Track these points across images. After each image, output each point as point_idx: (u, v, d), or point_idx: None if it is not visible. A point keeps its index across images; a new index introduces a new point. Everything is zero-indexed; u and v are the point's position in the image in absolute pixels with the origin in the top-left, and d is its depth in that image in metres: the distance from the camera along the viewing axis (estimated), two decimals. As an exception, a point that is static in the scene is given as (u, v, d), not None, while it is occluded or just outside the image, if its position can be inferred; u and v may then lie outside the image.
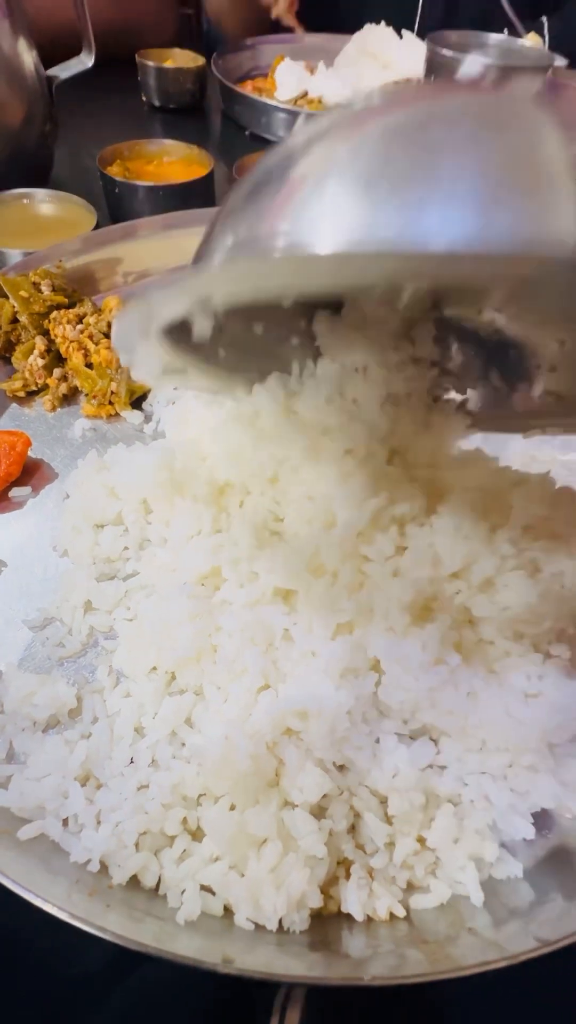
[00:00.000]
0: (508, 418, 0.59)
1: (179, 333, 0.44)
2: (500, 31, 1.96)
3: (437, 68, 1.14)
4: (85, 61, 1.16)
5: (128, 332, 0.41)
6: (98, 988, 0.49)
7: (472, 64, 1.07)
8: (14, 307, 0.85)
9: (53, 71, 1.15)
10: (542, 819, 0.51)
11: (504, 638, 0.53)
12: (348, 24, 1.85)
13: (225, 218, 0.38)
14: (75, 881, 0.43)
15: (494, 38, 1.21)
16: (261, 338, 0.56)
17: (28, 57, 1.06)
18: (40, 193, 1.04)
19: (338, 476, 0.62)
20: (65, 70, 1.15)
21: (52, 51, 1.12)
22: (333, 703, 0.48)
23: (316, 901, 0.44)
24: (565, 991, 0.51)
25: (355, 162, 0.32)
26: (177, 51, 1.75)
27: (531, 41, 1.50)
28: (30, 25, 1.06)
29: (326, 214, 0.32)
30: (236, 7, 1.80)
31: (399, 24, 1.74)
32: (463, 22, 1.89)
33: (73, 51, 1.15)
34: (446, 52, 1.10)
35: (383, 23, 1.76)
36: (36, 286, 0.88)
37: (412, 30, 1.84)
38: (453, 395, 0.61)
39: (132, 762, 0.51)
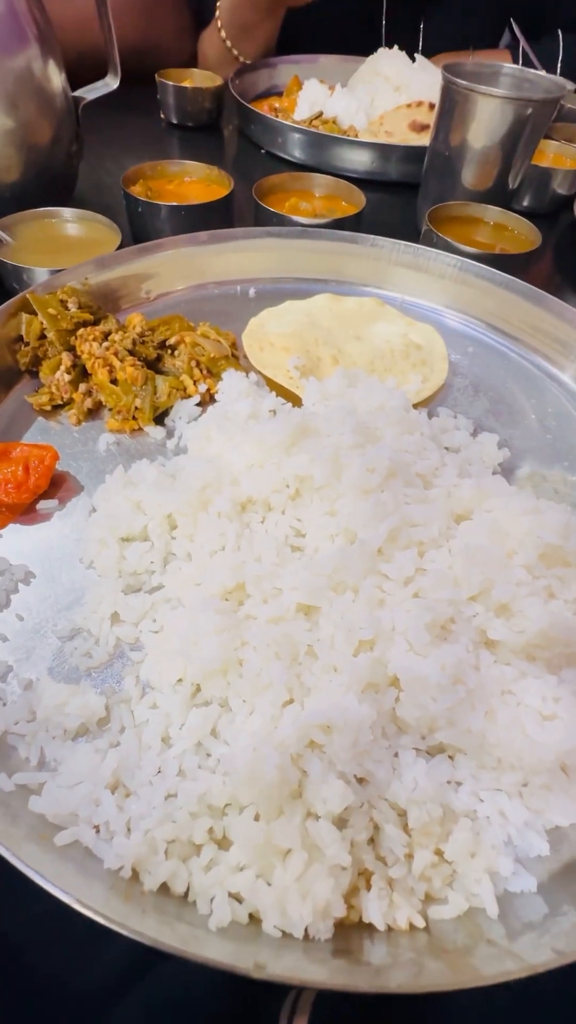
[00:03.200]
0: None
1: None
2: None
3: (452, 98, 1.17)
4: (111, 83, 1.20)
5: None
6: (102, 1000, 0.50)
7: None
8: (42, 324, 0.88)
9: (80, 92, 1.18)
10: (555, 835, 0.52)
11: (519, 659, 0.55)
12: (349, 45, 1.91)
13: None
14: (110, 887, 0.45)
15: (507, 68, 1.24)
16: None
17: (57, 80, 1.10)
18: (66, 212, 1.07)
19: (358, 492, 0.64)
20: (91, 92, 1.19)
21: (76, 70, 1.15)
22: (356, 717, 0.50)
23: (340, 910, 0.45)
24: (566, 996, 0.52)
25: None
26: (196, 71, 1.79)
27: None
28: (59, 47, 1.10)
29: None
30: (252, 30, 1.84)
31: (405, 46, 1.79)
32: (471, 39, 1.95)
33: (96, 69, 1.18)
34: (461, 83, 1.14)
35: (395, 47, 1.82)
36: (63, 303, 0.90)
37: (417, 50, 1.90)
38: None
39: (160, 772, 0.53)
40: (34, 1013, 0.51)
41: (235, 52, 1.87)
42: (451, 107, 1.19)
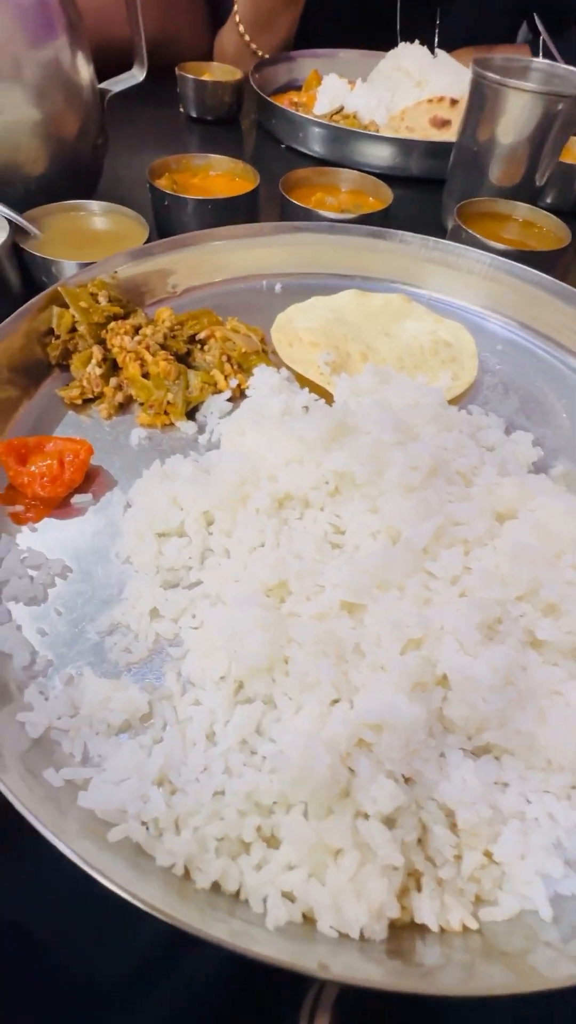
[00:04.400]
0: None
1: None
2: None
3: (481, 92, 1.16)
4: (137, 76, 1.19)
5: None
6: (121, 998, 0.50)
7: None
8: (73, 317, 0.87)
9: (105, 85, 1.17)
10: (605, 837, 0.52)
11: (568, 660, 0.55)
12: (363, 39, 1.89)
13: None
14: (165, 884, 0.44)
15: (536, 63, 1.23)
16: None
17: (85, 72, 1.09)
18: (93, 205, 1.07)
19: (401, 490, 0.64)
20: (117, 84, 1.18)
21: (99, 62, 1.14)
22: (409, 717, 0.49)
23: (395, 911, 0.45)
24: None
25: None
26: (215, 64, 1.78)
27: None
28: (87, 40, 1.09)
29: None
30: (271, 22, 1.82)
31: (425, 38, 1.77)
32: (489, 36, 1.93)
33: (114, 61, 1.18)
34: (492, 76, 1.13)
35: (416, 41, 1.80)
36: (94, 296, 0.90)
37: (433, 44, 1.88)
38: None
39: (206, 769, 0.53)
40: (60, 1006, 0.51)
41: (253, 46, 1.86)
42: (480, 101, 1.17)
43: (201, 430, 0.85)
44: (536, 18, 1.83)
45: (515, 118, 1.15)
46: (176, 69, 1.68)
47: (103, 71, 1.17)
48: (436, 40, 1.97)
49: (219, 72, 1.76)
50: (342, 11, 1.95)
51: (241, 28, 1.83)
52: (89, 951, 0.53)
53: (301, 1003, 0.51)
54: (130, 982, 0.51)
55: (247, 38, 1.84)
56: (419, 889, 0.48)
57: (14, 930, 0.53)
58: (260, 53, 1.86)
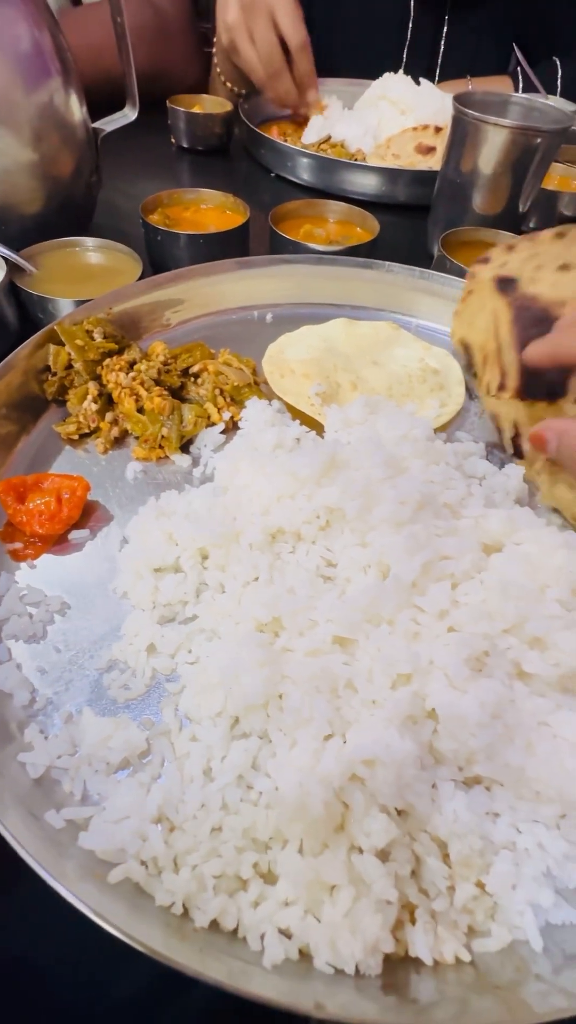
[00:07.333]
0: None
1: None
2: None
3: (462, 128, 1.20)
4: (129, 115, 1.22)
5: None
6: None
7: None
8: (69, 354, 0.90)
9: (99, 124, 1.21)
10: (594, 865, 0.53)
11: (554, 691, 0.56)
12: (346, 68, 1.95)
13: None
14: (165, 924, 0.45)
15: (516, 97, 1.27)
16: None
17: (79, 113, 1.12)
18: (88, 241, 1.09)
19: (391, 525, 0.66)
20: (110, 123, 1.21)
21: (94, 95, 1.18)
22: (400, 752, 0.51)
23: (389, 946, 0.46)
24: None
25: None
26: (206, 97, 1.83)
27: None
28: (80, 81, 1.12)
29: None
30: (232, 72, 1.86)
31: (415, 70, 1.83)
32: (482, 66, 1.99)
33: (107, 97, 1.21)
34: (471, 113, 1.17)
35: (401, 71, 1.86)
36: (89, 333, 0.92)
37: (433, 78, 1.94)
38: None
39: (203, 806, 0.54)
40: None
41: (235, 90, 1.90)
42: (462, 136, 1.21)
43: (195, 463, 0.87)
44: (516, 49, 1.89)
45: (495, 152, 1.19)
46: (167, 102, 1.73)
47: (98, 105, 1.21)
48: (437, 75, 2.03)
49: (210, 104, 1.81)
50: (348, 43, 2.00)
51: (222, 78, 1.88)
52: (91, 985, 0.54)
53: None
54: (131, 1016, 0.52)
55: (229, 85, 1.89)
56: (413, 922, 0.49)
57: (18, 965, 0.54)
58: (235, 89, 1.91)
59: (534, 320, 0.81)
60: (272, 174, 1.71)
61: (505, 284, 0.87)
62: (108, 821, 0.52)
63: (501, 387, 0.83)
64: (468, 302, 0.95)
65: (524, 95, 1.27)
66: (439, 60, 2.01)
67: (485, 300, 0.91)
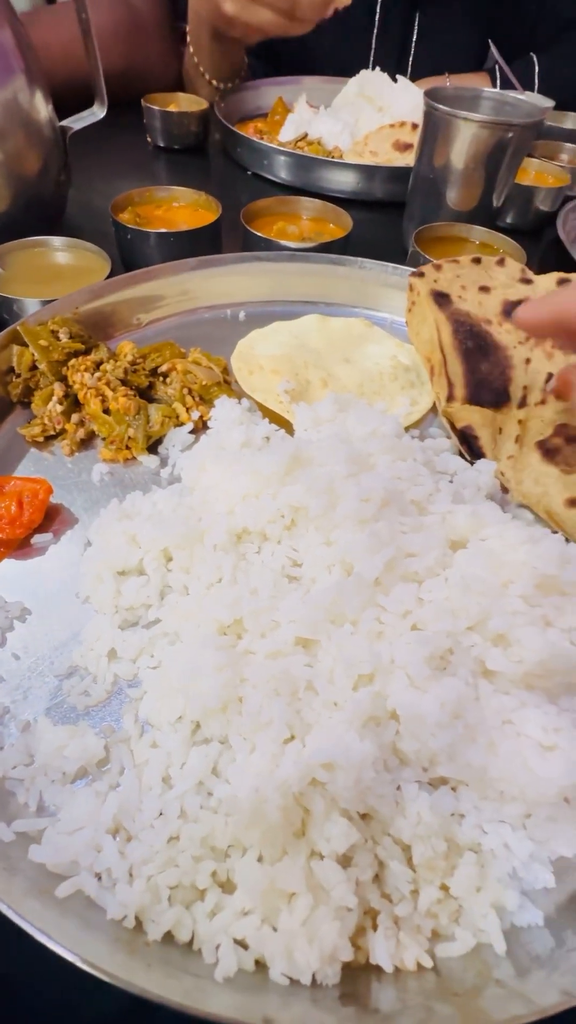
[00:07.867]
0: None
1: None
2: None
3: (434, 123, 1.20)
4: (97, 113, 1.21)
5: None
6: None
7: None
8: (33, 355, 0.88)
9: (67, 122, 1.19)
10: (560, 866, 0.52)
11: (518, 688, 0.55)
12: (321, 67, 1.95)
13: None
14: (114, 939, 0.44)
15: (487, 92, 1.27)
16: None
17: (44, 110, 1.11)
18: (55, 241, 1.08)
19: (354, 523, 0.65)
20: (78, 121, 1.20)
21: (63, 95, 1.16)
22: (359, 755, 0.50)
23: (348, 954, 0.45)
24: None
25: None
26: (181, 95, 1.81)
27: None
28: (45, 79, 1.11)
29: None
30: (216, 56, 1.84)
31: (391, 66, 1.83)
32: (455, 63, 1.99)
33: (83, 94, 1.20)
34: (442, 108, 1.16)
35: (377, 68, 1.85)
36: (54, 334, 0.91)
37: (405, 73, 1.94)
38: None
39: (161, 814, 0.52)
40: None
41: (207, 76, 1.89)
42: (433, 131, 1.21)
43: (163, 463, 0.86)
44: (492, 46, 1.89)
45: (468, 147, 1.18)
46: (142, 100, 1.71)
47: (72, 104, 1.19)
48: (409, 70, 2.03)
49: (185, 102, 1.79)
50: (316, 40, 1.99)
51: (195, 59, 1.86)
52: (67, 995, 0.52)
53: None
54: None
55: (202, 70, 1.87)
56: (375, 928, 0.48)
57: None
58: (215, 83, 1.89)
59: (470, 334, 0.90)
60: (249, 172, 1.70)
61: (441, 298, 0.95)
62: (62, 833, 0.51)
63: (450, 397, 0.87)
64: (413, 312, 1.01)
65: (496, 90, 1.26)
66: (411, 54, 2.00)
67: (426, 312, 0.96)
